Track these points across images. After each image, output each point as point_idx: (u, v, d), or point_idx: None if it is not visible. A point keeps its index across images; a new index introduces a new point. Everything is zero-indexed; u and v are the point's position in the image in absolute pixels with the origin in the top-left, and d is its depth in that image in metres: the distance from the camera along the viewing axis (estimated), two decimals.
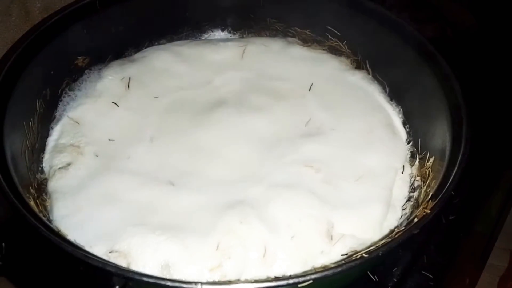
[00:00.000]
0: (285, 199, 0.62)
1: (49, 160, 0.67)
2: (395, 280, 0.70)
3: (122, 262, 0.54)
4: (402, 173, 0.69)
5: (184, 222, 0.59)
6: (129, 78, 0.76)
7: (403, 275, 0.71)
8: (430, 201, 0.52)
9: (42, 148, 0.69)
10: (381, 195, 0.65)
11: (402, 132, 0.76)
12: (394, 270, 0.71)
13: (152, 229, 0.58)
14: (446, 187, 0.51)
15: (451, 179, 0.52)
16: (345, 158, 0.69)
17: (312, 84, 0.79)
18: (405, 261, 0.72)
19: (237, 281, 0.43)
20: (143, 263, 0.55)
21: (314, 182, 0.65)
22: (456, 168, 0.53)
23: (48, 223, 0.49)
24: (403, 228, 0.50)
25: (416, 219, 0.50)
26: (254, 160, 0.68)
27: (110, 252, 0.55)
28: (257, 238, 0.58)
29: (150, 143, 0.69)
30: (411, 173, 0.70)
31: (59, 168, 0.64)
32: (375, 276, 0.67)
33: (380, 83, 0.82)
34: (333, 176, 0.66)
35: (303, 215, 0.61)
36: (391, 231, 0.54)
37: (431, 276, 0.71)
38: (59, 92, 0.74)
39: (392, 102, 0.80)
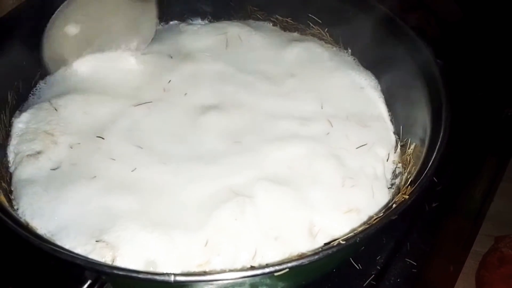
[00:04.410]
0: (273, 198, 0.60)
1: (16, 146, 0.63)
2: (378, 268, 0.70)
3: (107, 255, 0.52)
4: (387, 161, 0.69)
5: (176, 217, 0.58)
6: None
7: (386, 263, 0.71)
8: (409, 187, 0.51)
9: None
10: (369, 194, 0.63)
11: (388, 121, 0.75)
12: (377, 258, 0.71)
13: (144, 225, 0.56)
14: (424, 173, 0.50)
15: (429, 165, 0.51)
16: (337, 155, 0.67)
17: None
18: (389, 248, 0.72)
19: (212, 272, 0.42)
20: (129, 259, 0.53)
21: (302, 180, 0.63)
22: (435, 154, 0.53)
23: (16, 216, 0.47)
24: (381, 214, 0.49)
25: (394, 205, 0.50)
26: (244, 155, 0.66)
27: (97, 241, 0.53)
28: (250, 238, 0.56)
29: (135, 141, 0.67)
30: (394, 160, 0.70)
31: (28, 155, 0.61)
32: (359, 264, 0.67)
33: (363, 71, 0.81)
34: (321, 175, 0.64)
35: (287, 216, 0.59)
36: (370, 218, 0.53)
37: (415, 263, 0.71)
38: (32, 83, 0.72)
39: (376, 90, 0.79)
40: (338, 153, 0.67)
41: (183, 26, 0.87)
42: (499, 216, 1.07)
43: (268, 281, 0.49)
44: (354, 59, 0.83)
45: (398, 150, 0.70)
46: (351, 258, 0.66)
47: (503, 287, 0.97)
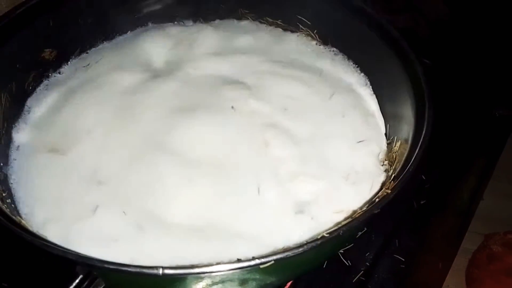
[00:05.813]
0: None
1: None
2: (367, 264, 0.71)
3: None
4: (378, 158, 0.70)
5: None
6: None
7: (375, 259, 0.72)
8: (392, 182, 0.53)
9: (7, 144, 0.68)
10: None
11: (380, 118, 0.76)
12: (367, 254, 0.72)
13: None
14: (406, 168, 0.52)
15: (412, 160, 0.53)
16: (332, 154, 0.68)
17: None
18: (377, 245, 0.74)
19: (200, 265, 0.43)
20: None
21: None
22: (417, 149, 0.54)
23: (7, 212, 0.48)
24: (364, 208, 0.51)
25: (377, 199, 0.51)
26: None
27: None
28: None
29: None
30: (381, 158, 0.71)
31: None
32: (348, 261, 0.68)
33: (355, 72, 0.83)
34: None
35: None
36: (354, 212, 0.55)
37: (403, 259, 0.72)
38: (26, 85, 0.73)
39: (367, 87, 0.80)
40: None
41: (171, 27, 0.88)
42: (489, 214, 1.09)
43: (257, 275, 0.50)
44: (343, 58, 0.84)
45: (385, 148, 0.71)
46: (340, 255, 0.67)
47: (493, 284, 0.98)
